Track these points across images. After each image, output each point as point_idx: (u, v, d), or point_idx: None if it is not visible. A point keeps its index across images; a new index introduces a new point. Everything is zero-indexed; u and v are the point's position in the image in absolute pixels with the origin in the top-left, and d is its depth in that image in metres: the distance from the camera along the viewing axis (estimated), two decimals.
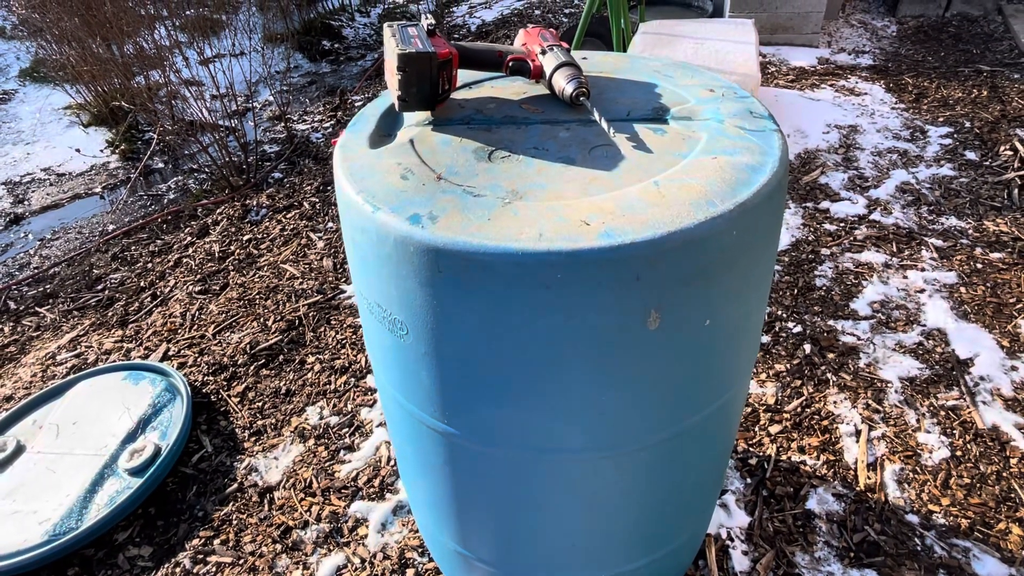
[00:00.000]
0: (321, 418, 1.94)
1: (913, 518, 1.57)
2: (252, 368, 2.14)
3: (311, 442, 1.87)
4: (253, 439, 1.90)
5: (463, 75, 1.15)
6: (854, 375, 1.92)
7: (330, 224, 2.90)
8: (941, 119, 3.22)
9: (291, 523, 1.65)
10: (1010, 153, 2.85)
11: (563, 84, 0.98)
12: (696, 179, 0.81)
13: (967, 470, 1.65)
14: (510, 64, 1.03)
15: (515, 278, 0.74)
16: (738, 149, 0.87)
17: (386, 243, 0.80)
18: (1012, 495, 1.59)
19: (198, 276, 2.66)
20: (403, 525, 1.63)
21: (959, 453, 1.69)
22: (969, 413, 1.78)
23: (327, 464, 1.80)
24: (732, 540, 1.55)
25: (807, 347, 2.02)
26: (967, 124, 3.14)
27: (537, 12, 6.31)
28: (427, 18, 0.99)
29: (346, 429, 1.90)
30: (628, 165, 0.86)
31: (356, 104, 4.58)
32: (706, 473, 1.15)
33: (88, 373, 2.11)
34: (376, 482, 1.73)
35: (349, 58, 6.45)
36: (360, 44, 6.80)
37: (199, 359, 2.20)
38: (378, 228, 0.80)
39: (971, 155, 2.90)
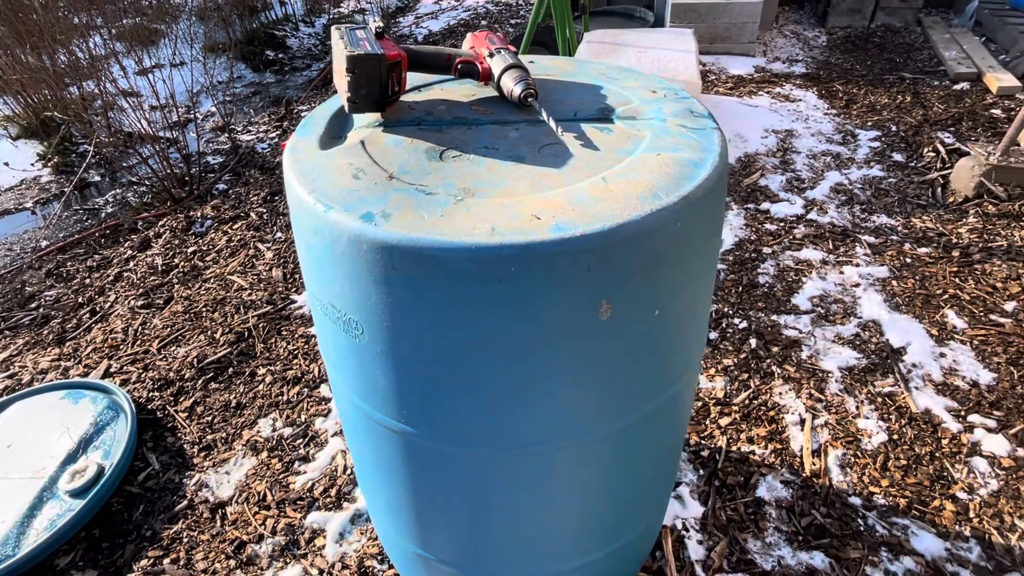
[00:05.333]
0: (274, 430, 1.90)
1: (856, 500, 1.64)
2: (200, 382, 2.08)
3: (264, 455, 1.83)
4: (203, 454, 1.84)
5: (413, 78, 1.16)
6: (797, 367, 2.00)
7: (279, 234, 2.85)
8: (870, 123, 3.40)
9: (245, 538, 1.61)
10: (932, 155, 3.03)
11: (511, 86, 1.00)
12: (642, 174, 0.84)
13: (903, 452, 1.74)
14: (459, 66, 1.05)
15: (469, 273, 0.75)
16: (680, 146, 0.91)
17: (339, 242, 0.80)
18: (944, 474, 1.69)
19: (140, 290, 2.57)
20: (362, 534, 1.61)
21: (895, 437, 1.78)
22: (904, 398, 1.88)
23: (281, 476, 1.76)
24: (687, 530, 1.59)
25: (753, 341, 2.10)
26: (893, 128, 3.32)
27: (484, 22, 6.37)
28: (375, 21, 1.00)
29: (300, 440, 1.87)
30: (576, 162, 0.89)
31: (303, 114, 4.52)
32: (660, 463, 1.18)
33: (23, 394, 2.01)
34: (333, 492, 1.71)
35: (294, 68, 6.36)
36: (305, 54, 6.72)
37: (143, 375, 2.12)
38: (331, 228, 0.80)
39: (898, 157, 3.08)
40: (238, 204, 3.15)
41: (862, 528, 1.58)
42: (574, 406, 0.90)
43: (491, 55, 1.05)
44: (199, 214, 3.07)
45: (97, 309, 2.51)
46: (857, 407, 1.87)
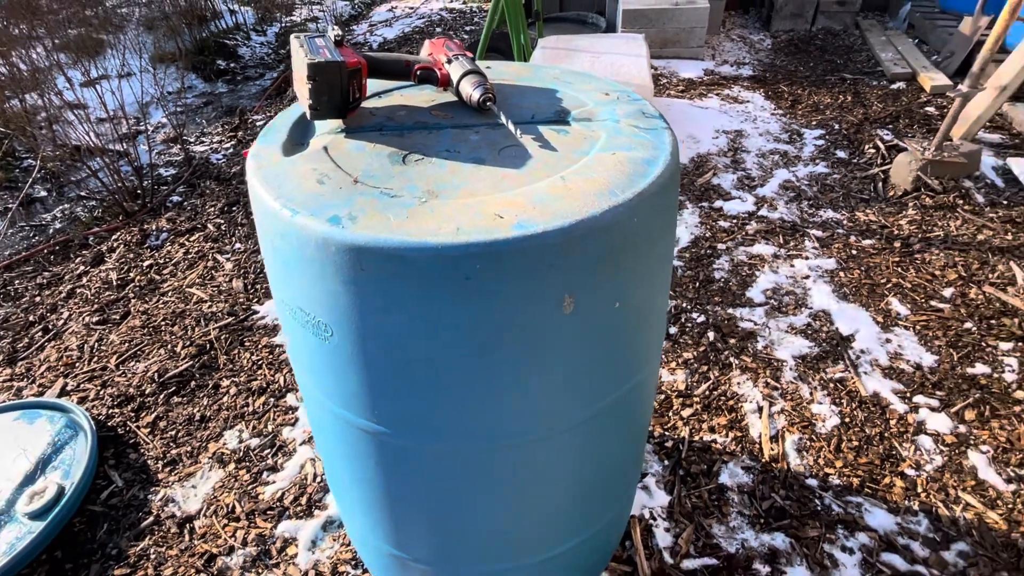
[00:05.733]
0: (240, 441, 1.88)
1: (812, 482, 1.72)
2: (162, 397, 2.04)
3: (231, 466, 1.81)
4: (168, 469, 1.81)
5: (373, 84, 1.18)
6: (753, 357, 2.08)
7: (238, 245, 2.81)
8: (814, 122, 3.54)
9: (215, 550, 1.59)
10: (873, 151, 3.18)
11: (470, 91, 1.03)
12: (598, 173, 0.88)
13: (855, 434, 1.83)
14: (418, 72, 1.08)
15: (437, 271, 0.78)
16: (634, 145, 0.95)
17: (307, 246, 0.82)
18: (893, 452, 1.78)
19: (95, 306, 2.51)
20: (334, 540, 1.61)
21: (847, 420, 1.87)
22: (854, 383, 1.98)
23: (250, 487, 1.75)
24: (655, 519, 1.64)
25: (711, 335, 2.17)
26: (836, 126, 3.47)
27: (438, 30, 6.39)
28: (334, 29, 1.02)
29: (268, 450, 1.85)
30: (535, 163, 0.92)
31: (258, 124, 4.46)
32: (626, 452, 1.22)
33: None
34: (303, 500, 1.70)
35: (247, 77, 6.27)
36: (258, 63, 6.63)
37: (102, 392, 2.07)
38: (298, 232, 0.82)
39: (841, 154, 3.22)
40: (194, 216, 3.09)
41: (819, 508, 1.66)
42: (542, 397, 0.94)
43: (449, 61, 1.08)
44: (154, 227, 3.00)
45: (50, 327, 2.44)
46: (811, 393, 1.95)
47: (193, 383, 2.09)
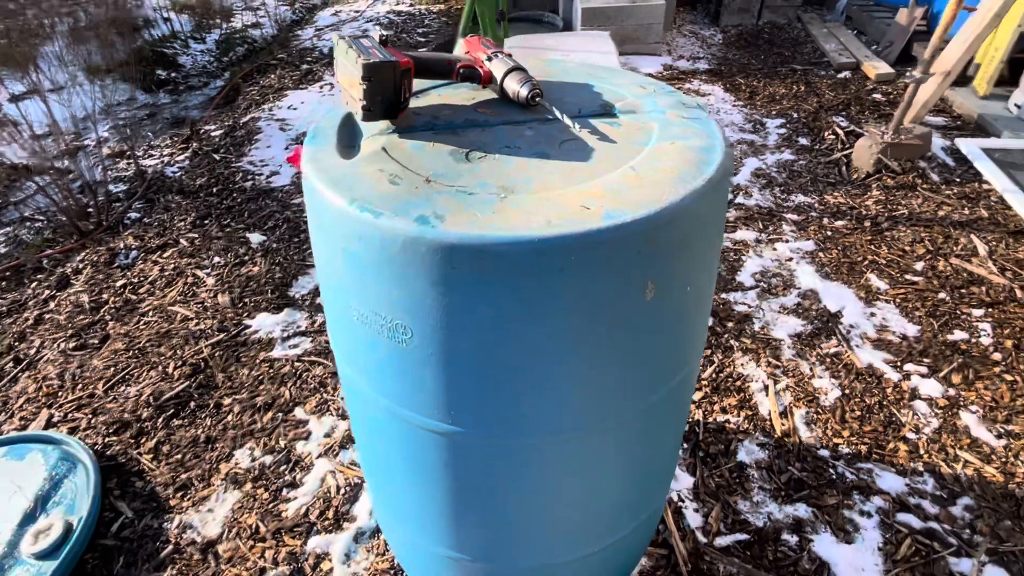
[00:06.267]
0: (253, 460, 1.82)
1: (824, 452, 1.79)
2: (161, 420, 1.96)
3: (248, 486, 1.75)
4: (180, 495, 1.74)
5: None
6: (752, 338, 2.16)
7: (216, 259, 2.71)
8: (774, 112, 3.69)
9: (245, 573, 1.54)
10: (833, 137, 3.33)
11: (516, 87, 1.04)
12: (664, 162, 0.90)
13: (856, 404, 1.92)
14: (460, 71, 1.07)
15: (531, 264, 0.78)
16: (688, 135, 0.98)
17: (391, 247, 0.81)
18: (894, 419, 1.88)
19: (70, 331, 2.38)
20: (368, 551, 1.58)
21: (847, 391, 1.96)
22: (848, 357, 2.07)
23: (271, 505, 1.70)
24: (683, 501, 1.68)
25: (709, 320, 2.23)
26: (795, 115, 3.62)
27: (390, 32, 6.32)
28: (377, 29, 1.01)
29: (284, 466, 1.80)
30: (600, 155, 0.94)
31: (212, 134, 4.30)
32: (676, 435, 1.25)
33: None
34: (330, 513, 1.67)
35: (190, 87, 6.05)
36: (200, 71, 6.41)
37: (94, 420, 1.97)
38: (382, 234, 0.81)
39: (803, 141, 3.36)
40: (164, 231, 2.97)
41: (834, 476, 1.73)
42: (618, 385, 0.95)
43: (489, 59, 1.09)
44: (122, 245, 2.87)
45: (21, 356, 2.30)
46: (810, 369, 2.04)
47: (192, 404, 2.01)
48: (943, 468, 1.75)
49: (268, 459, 1.82)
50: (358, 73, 0.93)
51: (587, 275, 0.80)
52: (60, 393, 2.10)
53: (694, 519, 1.64)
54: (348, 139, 1.01)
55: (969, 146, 3.06)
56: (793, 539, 1.59)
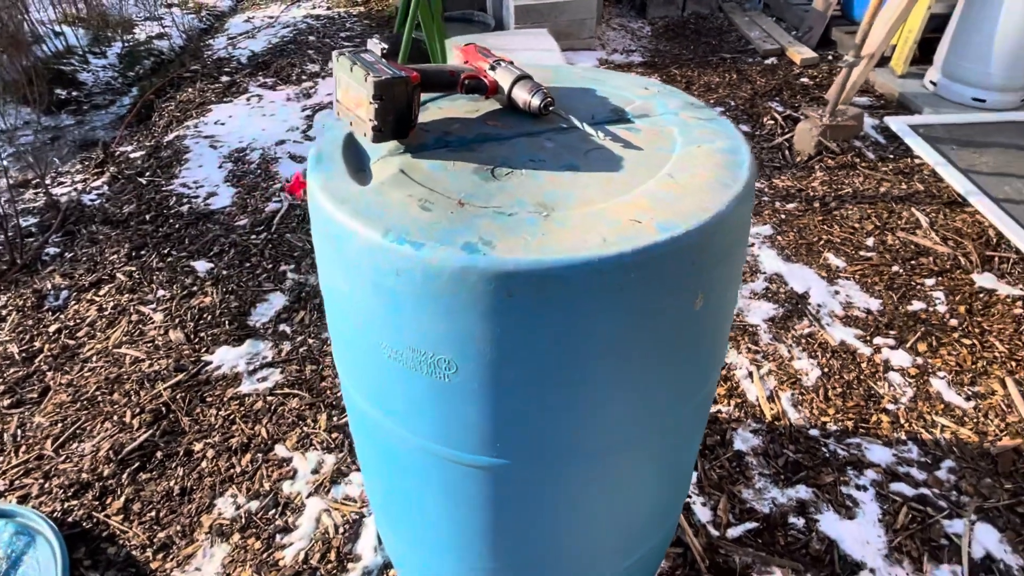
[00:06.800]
0: (238, 507, 1.70)
1: (815, 432, 1.84)
2: (126, 476, 1.79)
3: (236, 537, 1.63)
4: (161, 556, 1.59)
5: None
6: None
7: (161, 292, 2.52)
8: (712, 101, 3.78)
9: None
10: (772, 122, 3.45)
11: (527, 96, 0.99)
12: (698, 167, 0.88)
13: (836, 381, 1.98)
14: (465, 82, 1.02)
15: (591, 286, 0.74)
16: (711, 137, 0.96)
17: (437, 280, 0.75)
18: (872, 392, 1.95)
19: (1, 387, 2.14)
20: None
21: (826, 370, 2.02)
22: (821, 336, 2.14)
23: (265, 555, 1.58)
24: (690, 496, 1.68)
25: None
26: (732, 103, 3.73)
27: (312, 38, 6.09)
28: (378, 41, 0.94)
29: (273, 510, 1.69)
30: (630, 164, 0.90)
31: (131, 156, 4.01)
32: (700, 441, 1.24)
33: None
34: (331, 555, 1.57)
35: (95, 106, 5.63)
36: (104, 88, 5.96)
37: (47, 484, 1.78)
38: (424, 267, 0.74)
39: (745, 128, 3.46)
40: (95, 267, 2.73)
41: (827, 455, 1.78)
42: (665, 396, 0.93)
43: (492, 68, 1.03)
44: (49, 285, 2.62)
45: None
46: (789, 351, 2.09)
47: (159, 453, 1.85)
48: (923, 435, 1.83)
49: (254, 505, 1.70)
50: (368, 92, 0.86)
51: (643, 291, 0.77)
52: (1, 459, 1.89)
53: (703, 513, 1.64)
54: (356, 162, 0.94)
55: (898, 123, 3.23)
56: (800, 521, 1.62)
